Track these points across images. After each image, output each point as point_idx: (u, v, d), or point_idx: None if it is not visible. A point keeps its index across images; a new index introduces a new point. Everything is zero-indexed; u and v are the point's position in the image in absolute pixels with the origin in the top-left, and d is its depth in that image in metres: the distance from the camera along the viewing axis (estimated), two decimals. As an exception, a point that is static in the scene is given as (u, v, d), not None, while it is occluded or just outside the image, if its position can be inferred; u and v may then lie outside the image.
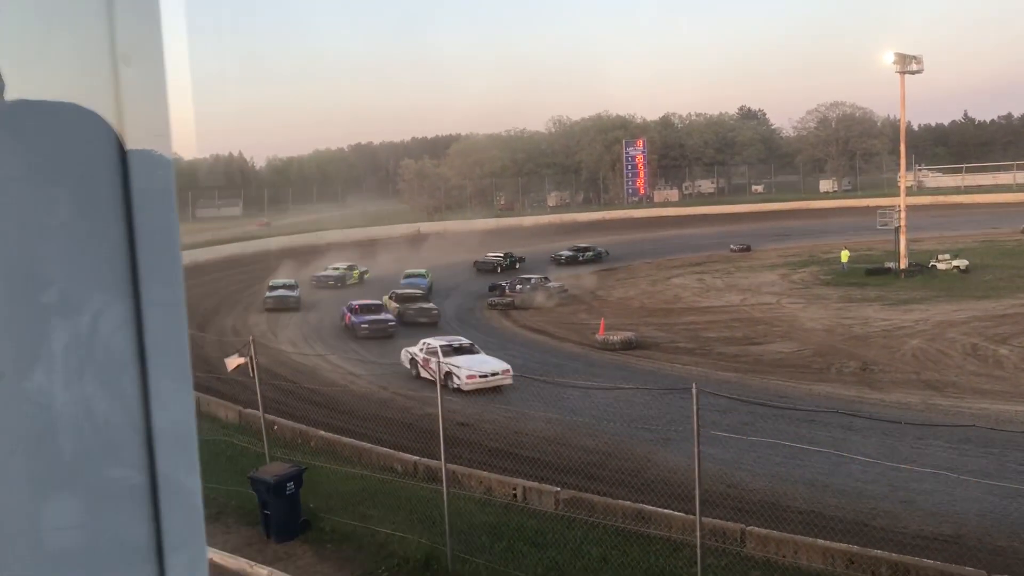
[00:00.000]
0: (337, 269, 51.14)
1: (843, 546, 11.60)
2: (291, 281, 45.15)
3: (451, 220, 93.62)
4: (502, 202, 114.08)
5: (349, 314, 35.09)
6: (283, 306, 40.41)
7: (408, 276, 47.02)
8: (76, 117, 0.86)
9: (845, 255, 50.45)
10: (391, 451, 17.17)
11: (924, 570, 10.76)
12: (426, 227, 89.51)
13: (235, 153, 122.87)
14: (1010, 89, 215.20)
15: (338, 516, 13.34)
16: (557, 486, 14.40)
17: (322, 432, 18.93)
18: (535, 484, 14.62)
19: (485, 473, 15.41)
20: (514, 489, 14.73)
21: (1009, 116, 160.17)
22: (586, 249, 60.41)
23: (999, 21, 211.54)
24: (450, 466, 12.85)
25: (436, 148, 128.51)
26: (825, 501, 14.77)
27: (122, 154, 0.88)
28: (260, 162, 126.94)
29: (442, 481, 12.26)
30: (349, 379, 26.42)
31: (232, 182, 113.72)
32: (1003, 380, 24.28)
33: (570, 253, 59.89)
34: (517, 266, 56.25)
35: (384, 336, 33.38)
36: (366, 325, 33.84)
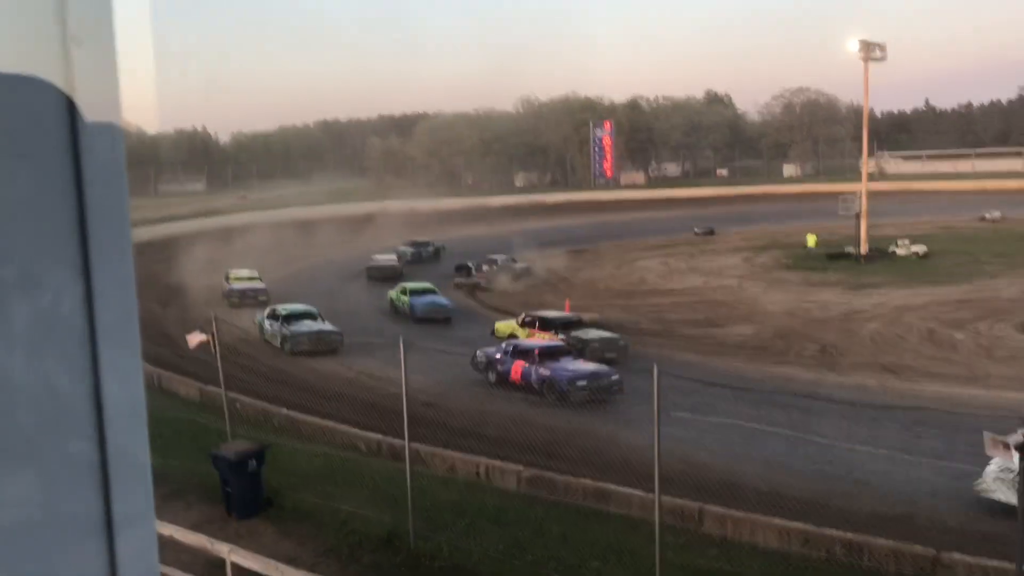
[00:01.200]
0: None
1: (799, 525, 11.84)
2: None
3: (419, 199, 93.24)
4: (469, 182, 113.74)
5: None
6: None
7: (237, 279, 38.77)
8: (28, 91, 0.87)
9: (812, 239, 51.12)
10: (355, 430, 17.18)
11: (877, 548, 11.01)
12: (392, 206, 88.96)
13: (199, 128, 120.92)
14: (970, 78, 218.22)
15: (301, 494, 13.34)
16: (520, 464, 14.51)
17: (285, 410, 18.87)
18: (498, 463, 14.72)
19: (449, 452, 15.49)
20: (477, 468, 14.82)
21: (969, 105, 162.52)
22: (426, 244, 55.82)
23: (961, 10, 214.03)
24: (414, 445, 12.89)
25: (403, 126, 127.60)
26: (782, 481, 15.03)
27: (74, 129, 0.89)
28: (225, 138, 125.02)
29: (405, 460, 12.31)
30: (315, 359, 26.33)
31: (195, 157, 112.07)
32: (958, 364, 24.80)
33: (413, 250, 54.26)
34: (439, 256, 52.85)
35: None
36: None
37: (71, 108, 0.89)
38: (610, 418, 19.08)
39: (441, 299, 34.68)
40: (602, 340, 26.22)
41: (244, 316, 30.50)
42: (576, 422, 18.64)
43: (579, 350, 24.30)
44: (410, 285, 35.94)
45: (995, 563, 10.34)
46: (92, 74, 0.89)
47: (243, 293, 36.78)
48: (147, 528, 0.99)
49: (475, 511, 12.69)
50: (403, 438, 12.45)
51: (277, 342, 28.07)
